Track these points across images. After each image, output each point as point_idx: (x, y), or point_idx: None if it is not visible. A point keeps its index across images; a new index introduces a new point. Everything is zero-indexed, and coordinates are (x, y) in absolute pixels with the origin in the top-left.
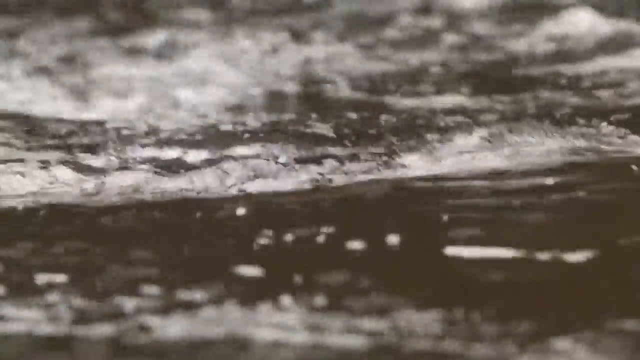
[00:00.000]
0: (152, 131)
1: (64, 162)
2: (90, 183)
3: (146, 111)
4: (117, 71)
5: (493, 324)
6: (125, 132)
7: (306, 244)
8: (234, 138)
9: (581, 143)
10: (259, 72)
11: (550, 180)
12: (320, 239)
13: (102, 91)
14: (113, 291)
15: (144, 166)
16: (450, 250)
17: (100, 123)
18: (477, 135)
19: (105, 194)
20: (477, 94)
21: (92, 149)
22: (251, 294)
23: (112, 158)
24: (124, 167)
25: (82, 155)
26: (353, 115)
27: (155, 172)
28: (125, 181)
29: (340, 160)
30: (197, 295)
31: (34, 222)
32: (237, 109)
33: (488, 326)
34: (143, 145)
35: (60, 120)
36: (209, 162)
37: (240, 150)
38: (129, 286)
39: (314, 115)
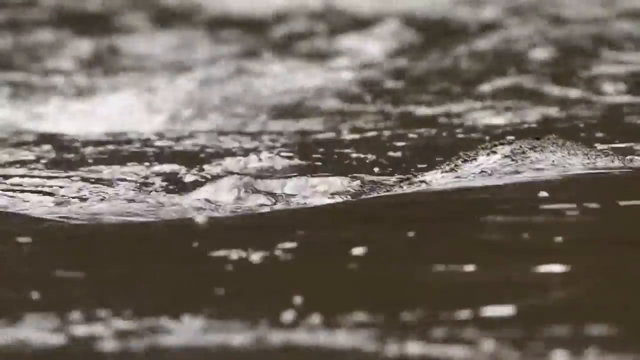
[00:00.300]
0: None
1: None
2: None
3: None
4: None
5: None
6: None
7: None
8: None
9: (604, 162)
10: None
11: (568, 194)
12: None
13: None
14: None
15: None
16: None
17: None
18: (500, 153)
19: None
20: (501, 112)
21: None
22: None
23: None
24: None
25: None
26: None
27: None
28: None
29: (359, 178)
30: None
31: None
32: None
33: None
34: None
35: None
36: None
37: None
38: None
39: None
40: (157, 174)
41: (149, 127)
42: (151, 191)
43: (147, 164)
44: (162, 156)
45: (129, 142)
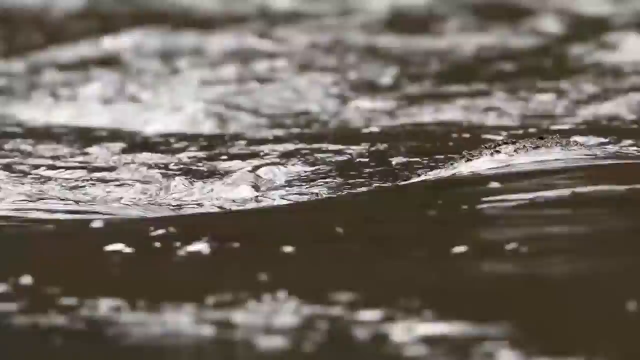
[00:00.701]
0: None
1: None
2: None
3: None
4: None
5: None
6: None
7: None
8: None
9: (607, 159)
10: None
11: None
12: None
13: None
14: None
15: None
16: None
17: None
18: (504, 152)
19: None
20: (505, 111)
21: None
22: None
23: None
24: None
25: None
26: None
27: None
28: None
29: (359, 177)
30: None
31: None
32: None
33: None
34: None
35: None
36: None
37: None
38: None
39: (334, 132)
40: (176, 172)
41: (165, 126)
42: (170, 191)
43: (164, 162)
44: (178, 154)
45: (145, 140)
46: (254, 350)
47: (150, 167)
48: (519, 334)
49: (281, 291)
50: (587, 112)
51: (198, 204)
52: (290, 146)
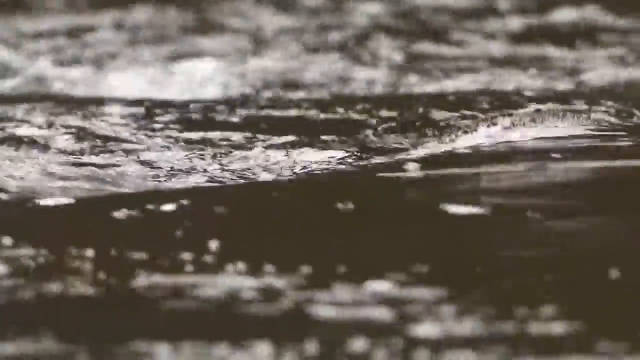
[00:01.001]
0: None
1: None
2: None
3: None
4: None
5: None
6: None
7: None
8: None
9: (604, 130)
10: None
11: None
12: None
13: None
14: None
15: None
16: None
17: None
18: (501, 124)
19: None
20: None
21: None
22: None
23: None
24: None
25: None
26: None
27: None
28: None
29: (355, 150)
30: None
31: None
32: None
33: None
34: None
35: None
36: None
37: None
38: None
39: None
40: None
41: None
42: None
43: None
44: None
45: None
46: (225, 319)
47: (149, 137)
48: (508, 301)
49: (271, 266)
50: (585, 83)
51: (210, 178)
52: (292, 113)
